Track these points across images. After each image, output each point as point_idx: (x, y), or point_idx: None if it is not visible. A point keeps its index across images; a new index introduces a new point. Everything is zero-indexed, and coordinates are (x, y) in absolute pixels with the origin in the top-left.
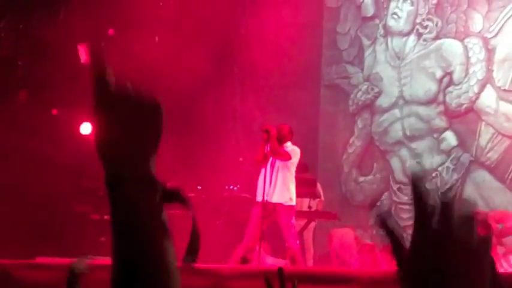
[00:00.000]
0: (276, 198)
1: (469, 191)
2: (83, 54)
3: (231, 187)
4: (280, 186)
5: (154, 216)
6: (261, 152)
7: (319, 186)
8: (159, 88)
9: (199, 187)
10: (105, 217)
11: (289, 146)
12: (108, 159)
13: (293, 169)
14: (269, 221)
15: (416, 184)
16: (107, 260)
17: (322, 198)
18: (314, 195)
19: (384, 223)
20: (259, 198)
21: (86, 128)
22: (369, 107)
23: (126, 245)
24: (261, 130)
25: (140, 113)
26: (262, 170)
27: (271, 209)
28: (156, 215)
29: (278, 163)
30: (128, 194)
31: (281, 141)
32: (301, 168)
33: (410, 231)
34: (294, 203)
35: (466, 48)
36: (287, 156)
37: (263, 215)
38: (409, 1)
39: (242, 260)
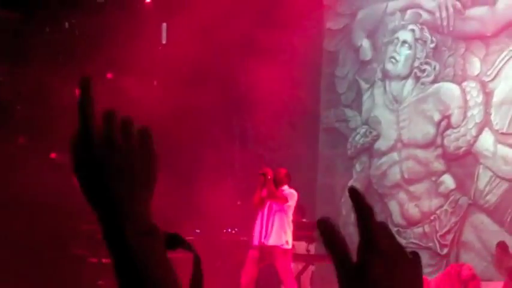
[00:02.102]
0: (272, 241)
1: (468, 234)
2: None
3: (229, 230)
4: (276, 229)
5: (159, 264)
6: (258, 195)
7: None
8: (157, 132)
9: (197, 230)
10: (103, 260)
11: (286, 189)
12: (103, 212)
13: (290, 212)
14: (265, 265)
15: (358, 201)
16: None
17: None
18: (312, 239)
19: (328, 232)
20: (255, 242)
21: None
22: (367, 150)
23: None
24: (258, 173)
25: (131, 157)
26: (259, 213)
27: (267, 253)
28: (162, 263)
29: (275, 206)
30: (130, 247)
31: (278, 184)
32: (298, 212)
33: None
34: (290, 246)
35: (463, 91)
36: (284, 199)
37: (259, 258)
38: (406, 45)
39: None
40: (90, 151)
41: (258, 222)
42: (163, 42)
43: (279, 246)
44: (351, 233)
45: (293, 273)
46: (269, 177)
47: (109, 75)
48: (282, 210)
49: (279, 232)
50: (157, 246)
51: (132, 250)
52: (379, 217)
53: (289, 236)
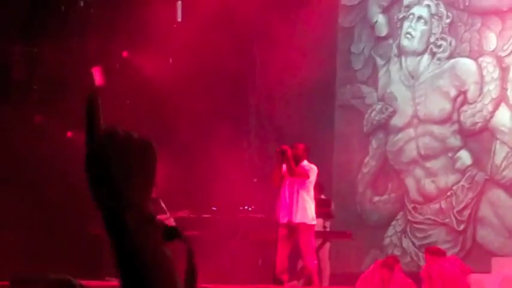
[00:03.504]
0: (299, 218)
1: (484, 210)
2: (98, 77)
3: (246, 208)
4: (301, 206)
5: (157, 250)
6: (277, 173)
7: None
8: (174, 110)
9: (214, 208)
10: None
11: (306, 164)
12: (103, 202)
13: (311, 187)
14: (293, 241)
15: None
16: None
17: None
18: (329, 216)
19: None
20: (283, 220)
21: None
22: (384, 126)
23: (133, 280)
24: (276, 151)
25: (131, 154)
26: (282, 191)
27: (294, 229)
28: (159, 250)
29: (296, 183)
30: (129, 233)
31: (297, 160)
32: (316, 189)
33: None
34: (315, 222)
35: (480, 67)
36: (305, 175)
37: (289, 235)
38: (422, 21)
39: (275, 282)
40: (93, 144)
41: (281, 200)
42: (179, 20)
43: (305, 222)
44: (367, 210)
45: (314, 248)
46: (288, 154)
47: (124, 54)
48: (304, 186)
49: (304, 209)
50: (155, 234)
51: (131, 236)
52: (395, 194)
53: (313, 212)
